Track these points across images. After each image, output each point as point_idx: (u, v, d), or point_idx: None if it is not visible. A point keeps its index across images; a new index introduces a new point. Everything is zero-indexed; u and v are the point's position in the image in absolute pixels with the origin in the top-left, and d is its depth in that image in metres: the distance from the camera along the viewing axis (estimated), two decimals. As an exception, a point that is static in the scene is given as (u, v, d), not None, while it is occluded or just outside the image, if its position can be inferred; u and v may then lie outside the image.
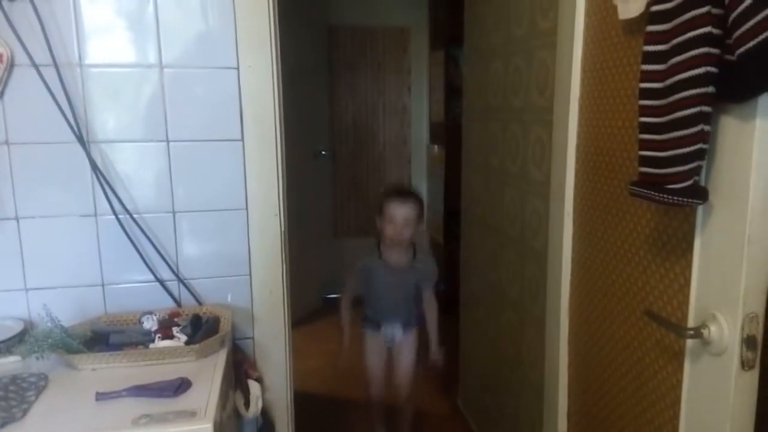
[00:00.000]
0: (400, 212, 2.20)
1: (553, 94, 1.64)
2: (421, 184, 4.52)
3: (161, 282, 1.51)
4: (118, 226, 1.46)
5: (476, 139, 2.50)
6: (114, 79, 1.43)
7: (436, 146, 4.27)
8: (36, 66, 1.36)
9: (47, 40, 1.36)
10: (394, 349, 2.46)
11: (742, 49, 0.81)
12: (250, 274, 1.56)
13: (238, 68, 1.48)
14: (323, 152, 4.16)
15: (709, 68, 0.87)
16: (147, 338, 1.32)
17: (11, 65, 1.36)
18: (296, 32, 3.42)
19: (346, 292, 2.47)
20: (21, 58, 1.36)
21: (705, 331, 0.96)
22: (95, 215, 1.46)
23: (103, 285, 1.49)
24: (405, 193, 2.32)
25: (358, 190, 4.42)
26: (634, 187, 1.01)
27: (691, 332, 0.98)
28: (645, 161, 0.98)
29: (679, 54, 0.90)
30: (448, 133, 3.82)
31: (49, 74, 1.37)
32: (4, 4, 1.33)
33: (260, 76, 1.49)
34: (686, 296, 1.03)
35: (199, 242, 1.53)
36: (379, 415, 2.57)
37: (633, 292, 1.24)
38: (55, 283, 1.46)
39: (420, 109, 4.48)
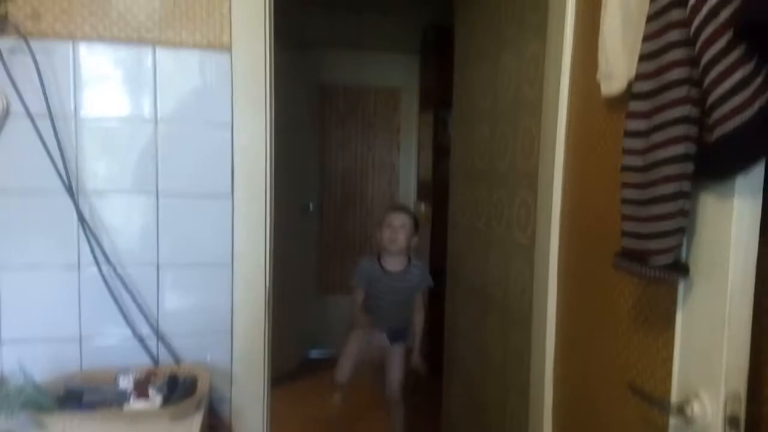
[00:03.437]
0: (395, 218, 2.64)
1: (538, 161, 1.67)
2: (408, 241, 4.53)
3: (140, 339, 1.48)
4: (100, 279, 1.44)
5: (462, 200, 2.53)
6: (108, 132, 1.44)
7: (423, 204, 4.30)
8: (31, 116, 1.37)
9: (44, 91, 1.37)
10: (386, 358, 2.81)
11: (719, 131, 0.84)
12: (232, 332, 1.54)
13: (232, 125, 1.50)
14: (310, 206, 4.18)
15: (688, 147, 0.90)
16: (122, 397, 1.28)
17: (6, 114, 1.37)
18: (289, 89, 3.49)
19: (355, 301, 2.73)
20: (17, 107, 1.37)
21: (688, 409, 0.95)
22: (78, 267, 1.44)
23: (80, 339, 1.45)
24: (401, 206, 2.95)
25: (344, 246, 4.42)
26: (617, 260, 1.02)
27: (675, 409, 0.97)
28: (627, 234, 1.00)
29: (659, 132, 0.93)
30: (436, 192, 3.87)
31: (44, 124, 1.38)
32: (4, 54, 1.35)
33: (254, 133, 1.51)
34: (669, 371, 1.03)
35: (181, 297, 1.51)
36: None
37: (617, 364, 1.24)
38: (31, 335, 1.42)
39: (408, 167, 4.54)
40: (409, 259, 2.73)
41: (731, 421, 0.89)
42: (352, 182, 4.47)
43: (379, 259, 2.69)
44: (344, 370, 2.81)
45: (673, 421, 1.01)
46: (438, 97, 3.85)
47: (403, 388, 2.87)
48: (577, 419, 1.43)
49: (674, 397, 1.01)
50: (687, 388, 0.97)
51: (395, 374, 2.82)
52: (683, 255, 0.97)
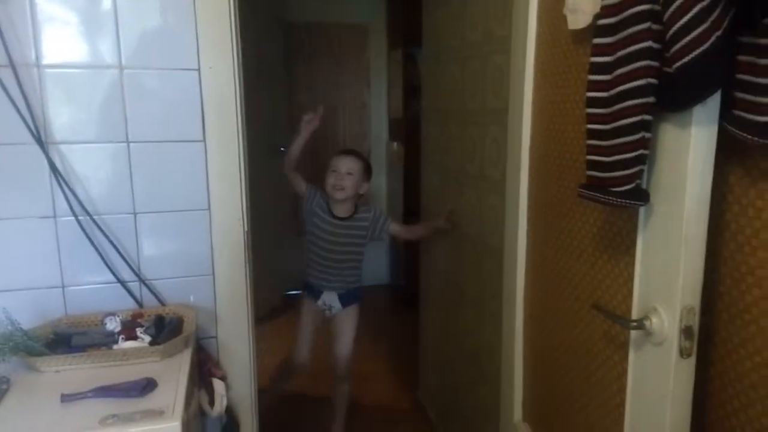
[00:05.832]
0: (342, 162, 2.33)
1: (507, 98, 1.70)
2: (381, 180, 4.57)
3: (122, 283, 1.51)
4: (78, 228, 1.46)
5: (435, 139, 2.56)
6: (72, 80, 1.42)
7: (395, 143, 4.32)
8: (-9, 66, 1.34)
9: (3, 40, 1.34)
10: (333, 323, 2.48)
11: (678, 63, 0.88)
12: (213, 274, 1.57)
13: (199, 69, 1.49)
14: (282, 149, 4.15)
15: (649, 80, 0.94)
16: (110, 339, 1.32)
17: (-35, 65, 1.33)
18: (253, 28, 3.40)
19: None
20: (-24, 57, 1.34)
21: (647, 323, 1.03)
22: (54, 217, 1.45)
23: (63, 287, 1.47)
24: (350, 150, 2.49)
25: (316, 187, 4.41)
26: (582, 190, 1.07)
27: (635, 324, 1.06)
28: (591, 165, 1.05)
29: (623, 66, 0.96)
30: (408, 130, 3.88)
31: (6, 75, 1.35)
32: (-44, 2, 1.30)
33: (221, 77, 1.50)
34: (630, 290, 1.11)
35: (160, 243, 1.54)
36: (288, 377, 2.62)
37: (582, 286, 1.32)
38: (13, 285, 1.44)
39: (379, 106, 4.52)
40: (355, 207, 2.40)
41: (686, 331, 0.97)
42: (323, 123, 4.41)
43: (328, 202, 2.39)
44: (303, 350, 2.48)
45: (633, 335, 1.10)
46: (406, 34, 3.80)
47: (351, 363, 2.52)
48: (546, 338, 1.53)
49: (635, 313, 1.09)
50: (646, 305, 1.05)
51: (345, 346, 2.47)
52: (644, 182, 1.03)
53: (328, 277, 2.41)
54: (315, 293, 2.45)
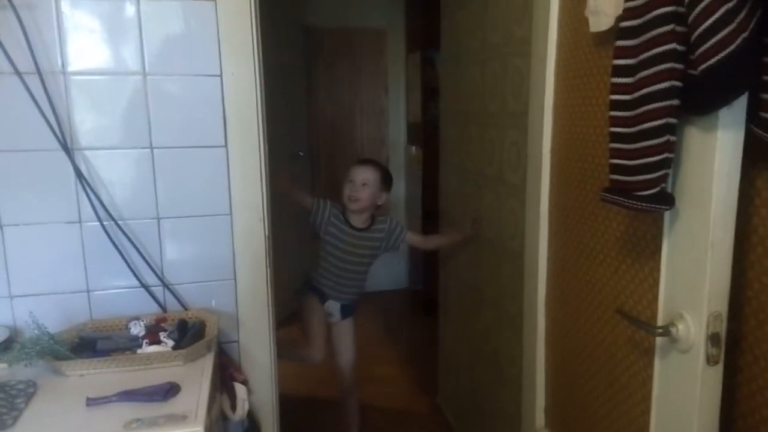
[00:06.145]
0: (359, 173, 2.31)
1: (528, 100, 1.69)
2: (399, 184, 4.56)
3: (146, 287, 1.53)
4: (103, 233, 1.48)
5: (453, 142, 2.55)
6: (97, 87, 1.44)
7: (413, 147, 4.31)
8: (19, 74, 1.37)
9: (30, 48, 1.36)
10: (333, 334, 2.46)
11: (703, 66, 0.87)
12: (235, 279, 1.58)
13: (221, 76, 1.50)
14: (301, 153, 4.17)
15: (673, 82, 0.93)
16: (134, 344, 1.34)
17: (-6, 73, 1.36)
18: (273, 33, 3.42)
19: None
20: (4, 65, 1.36)
21: (673, 330, 1.02)
22: (80, 222, 1.47)
23: (88, 291, 1.49)
24: (368, 159, 2.48)
25: (336, 192, 4.43)
26: (605, 194, 1.06)
27: (660, 330, 1.04)
28: (615, 169, 1.04)
29: (646, 68, 0.95)
30: (426, 134, 3.87)
31: (33, 82, 1.38)
32: (-14, 12, 1.33)
33: (243, 83, 1.51)
34: (655, 296, 1.09)
35: (183, 247, 1.55)
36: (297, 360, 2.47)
37: (605, 291, 1.30)
38: (39, 290, 1.46)
39: (397, 110, 4.52)
40: (373, 218, 2.38)
41: (713, 338, 0.96)
42: (341, 128, 4.45)
43: (344, 212, 2.36)
44: (319, 349, 2.38)
45: (659, 341, 1.08)
46: (425, 38, 3.80)
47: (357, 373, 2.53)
48: (568, 344, 1.51)
49: (660, 319, 1.07)
50: (672, 310, 1.04)
51: (349, 357, 2.49)
52: (669, 186, 1.01)
53: (340, 288, 2.39)
54: (321, 296, 2.41)
